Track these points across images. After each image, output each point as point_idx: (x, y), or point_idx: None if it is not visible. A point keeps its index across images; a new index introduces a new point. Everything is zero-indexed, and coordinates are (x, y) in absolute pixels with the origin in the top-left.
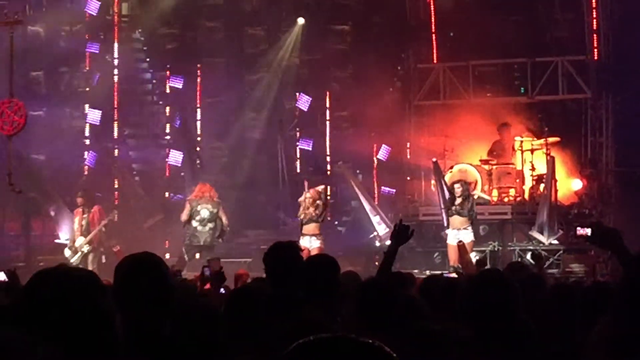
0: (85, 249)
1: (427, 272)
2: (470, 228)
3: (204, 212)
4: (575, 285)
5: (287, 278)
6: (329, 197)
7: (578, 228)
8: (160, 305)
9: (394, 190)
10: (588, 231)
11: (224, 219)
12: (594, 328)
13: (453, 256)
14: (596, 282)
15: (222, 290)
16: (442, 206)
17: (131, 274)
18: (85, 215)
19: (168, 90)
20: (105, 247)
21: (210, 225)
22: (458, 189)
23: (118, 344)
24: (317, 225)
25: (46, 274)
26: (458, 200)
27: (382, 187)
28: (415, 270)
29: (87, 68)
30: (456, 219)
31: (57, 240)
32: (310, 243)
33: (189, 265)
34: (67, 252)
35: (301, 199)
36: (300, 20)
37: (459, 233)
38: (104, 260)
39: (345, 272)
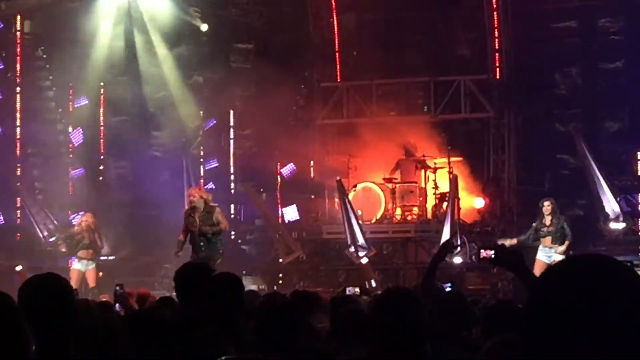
0: None
1: (331, 290)
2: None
3: None
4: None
5: (198, 298)
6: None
7: (481, 250)
8: (64, 325)
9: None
10: (491, 253)
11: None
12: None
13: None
14: (499, 300)
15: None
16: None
17: (34, 294)
18: None
19: (71, 109)
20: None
21: None
22: (548, 206)
23: None
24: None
25: None
26: (547, 219)
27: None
28: (320, 289)
29: None
30: (548, 239)
31: None
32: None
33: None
34: None
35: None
36: (204, 27)
37: (550, 251)
38: None
39: (246, 291)
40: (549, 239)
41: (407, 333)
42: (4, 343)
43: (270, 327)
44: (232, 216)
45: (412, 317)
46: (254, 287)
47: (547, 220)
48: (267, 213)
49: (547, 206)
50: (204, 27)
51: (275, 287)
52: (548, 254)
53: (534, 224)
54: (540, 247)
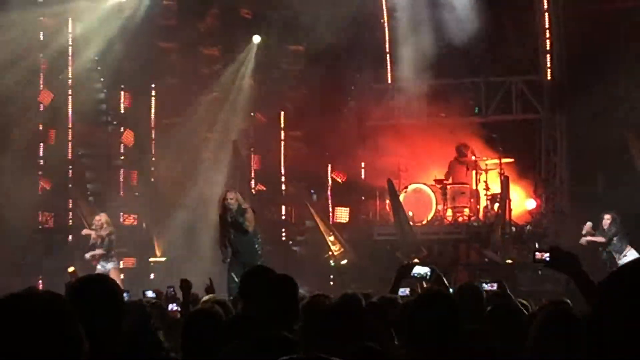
0: None
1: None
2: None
3: None
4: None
5: (258, 299)
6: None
7: (536, 253)
8: (112, 326)
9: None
10: (546, 255)
11: None
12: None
13: None
14: (552, 302)
15: (175, 308)
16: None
17: (83, 294)
18: None
19: (122, 110)
20: None
21: None
22: (607, 219)
23: None
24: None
25: (8, 299)
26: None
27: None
28: (370, 290)
29: (41, 87)
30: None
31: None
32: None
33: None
34: None
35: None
36: (256, 39)
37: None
38: None
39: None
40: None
41: (443, 334)
42: (58, 345)
43: (314, 329)
44: (283, 217)
45: (448, 319)
46: (304, 290)
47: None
48: (319, 214)
49: (606, 219)
50: (256, 39)
51: (325, 290)
52: None
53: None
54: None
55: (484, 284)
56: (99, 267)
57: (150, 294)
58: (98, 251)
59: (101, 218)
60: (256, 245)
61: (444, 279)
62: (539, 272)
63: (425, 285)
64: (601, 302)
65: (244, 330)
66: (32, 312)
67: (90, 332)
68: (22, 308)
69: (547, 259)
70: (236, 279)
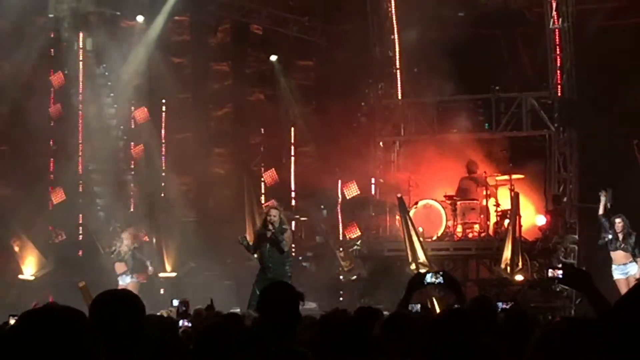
0: None
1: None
2: (636, 262)
3: None
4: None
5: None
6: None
7: (550, 270)
8: (134, 341)
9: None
10: (559, 273)
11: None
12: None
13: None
14: (563, 318)
15: (186, 323)
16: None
17: (108, 309)
18: None
19: (133, 126)
20: None
21: None
22: (619, 223)
23: None
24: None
25: (29, 315)
26: (620, 236)
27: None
28: (381, 306)
29: (52, 103)
30: (619, 254)
31: (20, 276)
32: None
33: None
34: None
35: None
36: (273, 58)
37: (625, 267)
38: None
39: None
40: (620, 254)
41: (460, 352)
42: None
43: (330, 343)
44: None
45: (465, 338)
46: (313, 305)
47: (620, 236)
48: (329, 229)
49: (618, 223)
50: (273, 58)
51: (334, 306)
52: (624, 271)
53: (609, 235)
54: (614, 266)
55: (498, 303)
56: (120, 282)
57: (176, 303)
58: (120, 267)
59: (130, 233)
60: (287, 267)
61: (458, 282)
62: (553, 287)
63: (439, 292)
64: (619, 317)
65: (258, 344)
66: (52, 328)
67: (112, 345)
68: (42, 324)
69: (560, 275)
70: None
